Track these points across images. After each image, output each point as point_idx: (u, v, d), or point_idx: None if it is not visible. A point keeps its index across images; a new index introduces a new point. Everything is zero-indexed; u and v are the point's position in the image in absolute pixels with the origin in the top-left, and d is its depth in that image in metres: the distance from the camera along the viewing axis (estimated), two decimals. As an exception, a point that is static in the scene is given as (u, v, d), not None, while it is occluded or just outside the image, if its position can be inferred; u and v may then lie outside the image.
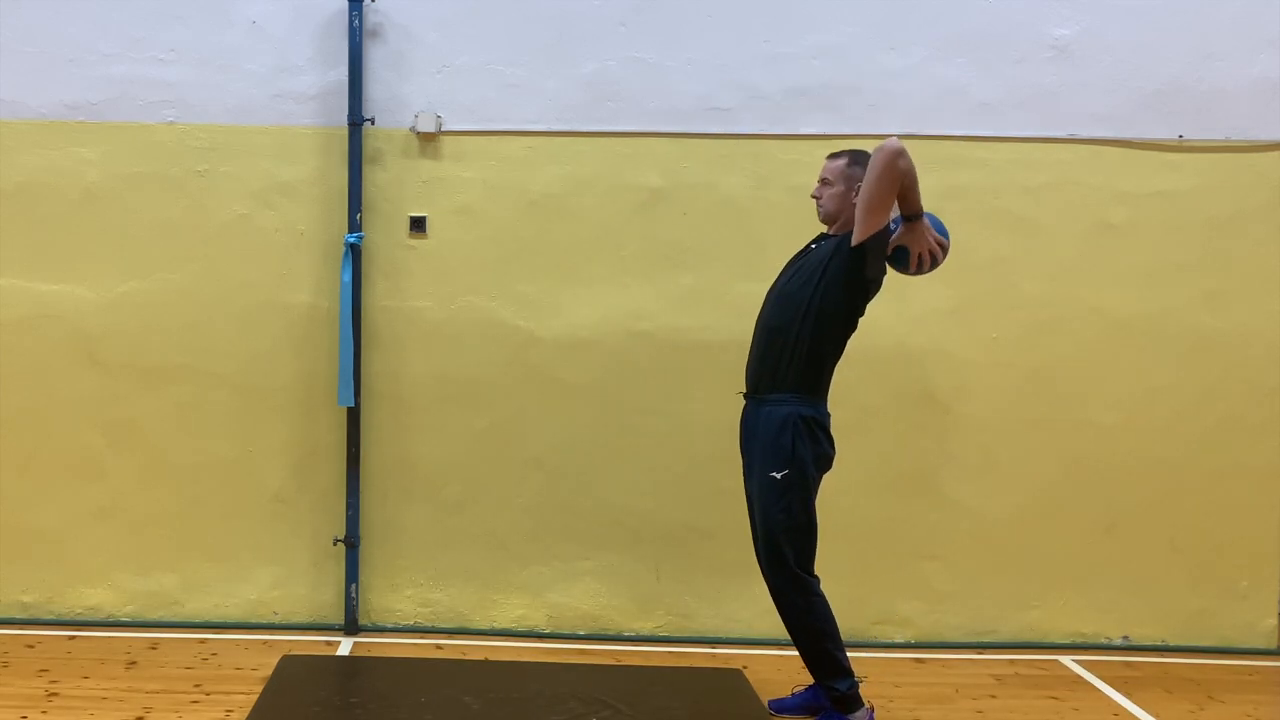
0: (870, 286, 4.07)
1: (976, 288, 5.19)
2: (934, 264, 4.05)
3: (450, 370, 5.19)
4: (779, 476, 4.03)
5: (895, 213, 3.98)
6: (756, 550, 4.25)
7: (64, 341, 5.14)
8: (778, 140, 5.16)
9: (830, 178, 4.17)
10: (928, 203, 5.14)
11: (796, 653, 4.78)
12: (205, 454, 5.17)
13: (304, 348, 5.17)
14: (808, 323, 4.03)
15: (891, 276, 4.14)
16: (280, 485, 5.20)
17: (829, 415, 4.14)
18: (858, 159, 4.13)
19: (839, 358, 4.14)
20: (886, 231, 3.97)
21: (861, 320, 4.15)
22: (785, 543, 4.05)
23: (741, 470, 4.30)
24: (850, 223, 4.05)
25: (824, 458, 4.11)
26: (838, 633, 4.11)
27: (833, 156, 4.22)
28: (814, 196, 4.22)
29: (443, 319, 5.19)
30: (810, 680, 4.41)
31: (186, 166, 5.14)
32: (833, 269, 4.02)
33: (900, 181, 3.86)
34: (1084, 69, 5.17)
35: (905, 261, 4.03)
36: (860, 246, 3.95)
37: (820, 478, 4.13)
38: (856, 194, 4.04)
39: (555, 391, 5.19)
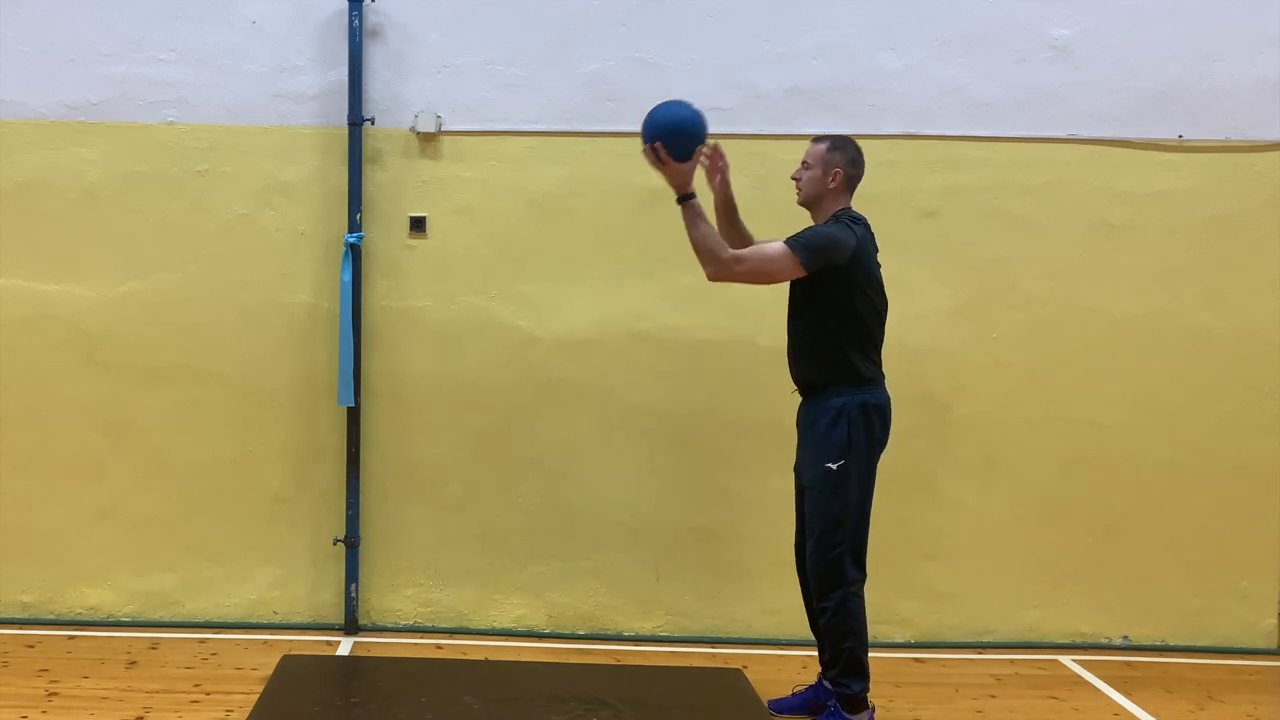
0: (849, 273, 3.97)
1: (976, 288, 5.19)
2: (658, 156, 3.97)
3: (450, 370, 5.19)
4: (835, 467, 4.00)
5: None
6: (798, 545, 4.24)
7: (64, 341, 5.14)
8: (778, 140, 5.15)
9: (810, 160, 4.17)
10: (928, 204, 5.17)
11: (797, 653, 4.78)
12: (205, 454, 5.17)
13: (304, 348, 5.17)
14: (822, 329, 4.04)
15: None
16: (280, 485, 5.20)
17: (888, 397, 4.10)
18: (839, 145, 4.15)
19: (875, 339, 4.09)
20: (816, 234, 3.97)
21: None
22: (843, 534, 4.02)
23: (794, 466, 4.26)
24: (825, 210, 4.11)
25: (879, 444, 4.10)
26: (866, 634, 4.10)
27: (816, 140, 4.22)
28: (794, 178, 4.22)
29: (443, 319, 5.19)
30: (811, 680, 4.42)
31: (186, 166, 5.14)
32: (811, 279, 4.01)
33: (731, 264, 3.96)
34: (1084, 69, 5.17)
35: (683, 154, 3.99)
36: (813, 270, 3.95)
37: (876, 466, 4.11)
38: (833, 180, 4.10)
39: (555, 391, 5.19)
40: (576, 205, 5.18)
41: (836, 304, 4.02)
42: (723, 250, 3.96)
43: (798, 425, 4.22)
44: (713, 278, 4.00)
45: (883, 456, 5.12)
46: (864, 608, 4.09)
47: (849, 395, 4.01)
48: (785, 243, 3.97)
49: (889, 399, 4.12)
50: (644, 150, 4.01)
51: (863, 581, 4.10)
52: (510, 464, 5.21)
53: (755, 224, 5.11)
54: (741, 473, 5.18)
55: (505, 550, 5.23)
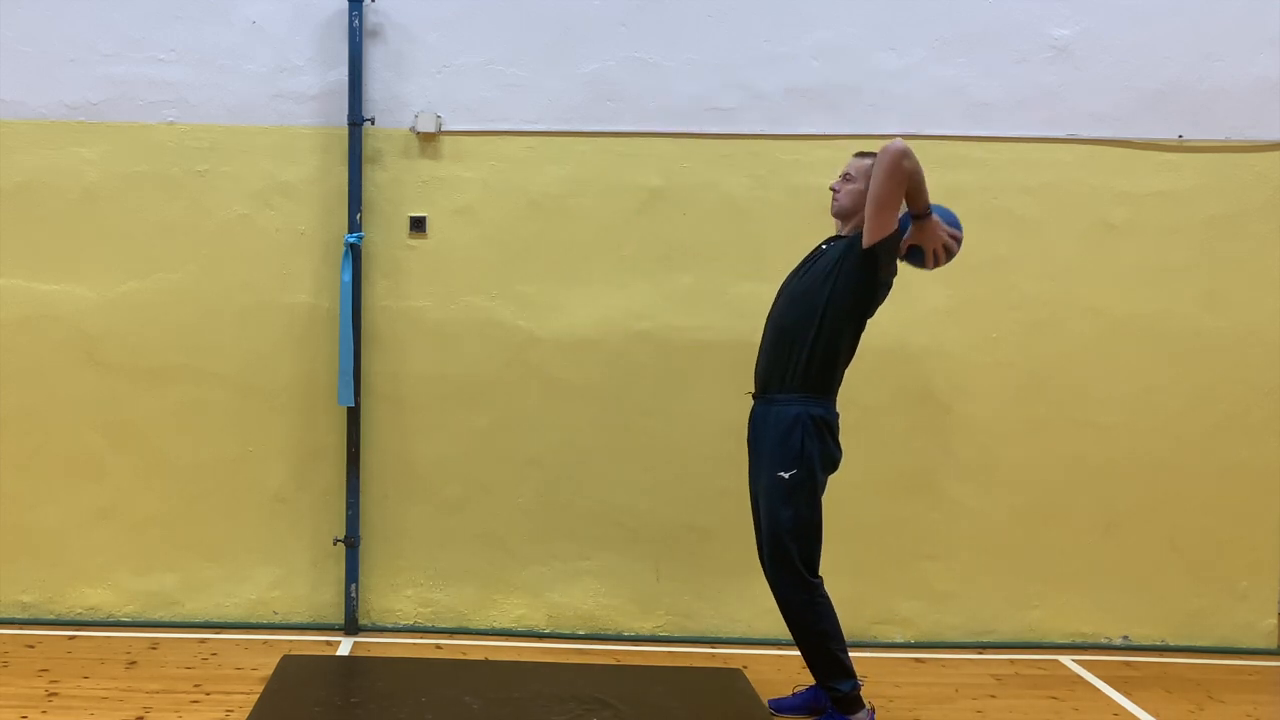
0: (881, 289, 4.08)
1: (976, 288, 5.19)
2: (949, 257, 4.08)
3: (450, 370, 5.19)
4: (787, 476, 4.02)
5: (904, 210, 4.00)
6: (760, 550, 4.24)
7: (64, 341, 5.14)
8: (778, 140, 5.16)
9: (853, 173, 4.15)
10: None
11: (797, 653, 4.78)
12: (205, 454, 5.18)
13: (304, 348, 5.17)
14: (820, 323, 4.03)
15: (898, 274, 4.15)
16: (280, 485, 5.20)
17: (839, 416, 4.13)
18: None
19: (851, 359, 4.14)
20: (898, 234, 3.99)
21: (862, 319, 4.16)
22: (791, 543, 4.05)
23: (747, 470, 4.29)
24: (859, 224, 4.07)
25: (830, 459, 4.11)
26: (841, 634, 4.11)
27: (860, 155, 4.21)
28: (832, 189, 4.20)
29: (443, 319, 5.19)
30: (811, 680, 4.42)
31: (186, 166, 5.14)
32: (845, 270, 4.01)
33: (906, 182, 3.90)
34: (1084, 69, 5.17)
35: (921, 259, 4.06)
36: (872, 249, 3.95)
37: (826, 479, 4.13)
38: None
39: (555, 391, 5.19)
40: (576, 205, 5.18)
41: (849, 314, 4.04)
42: (900, 191, 3.92)
43: (749, 429, 4.24)
44: (888, 151, 3.89)
45: (882, 456, 5.17)
46: (832, 607, 4.09)
47: (805, 405, 4.03)
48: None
49: (838, 416, 4.13)
50: (955, 236, 4.09)
51: (822, 582, 4.11)
52: (510, 464, 5.21)
53: (755, 223, 5.16)
54: (741, 473, 5.14)
55: (505, 550, 5.23)
